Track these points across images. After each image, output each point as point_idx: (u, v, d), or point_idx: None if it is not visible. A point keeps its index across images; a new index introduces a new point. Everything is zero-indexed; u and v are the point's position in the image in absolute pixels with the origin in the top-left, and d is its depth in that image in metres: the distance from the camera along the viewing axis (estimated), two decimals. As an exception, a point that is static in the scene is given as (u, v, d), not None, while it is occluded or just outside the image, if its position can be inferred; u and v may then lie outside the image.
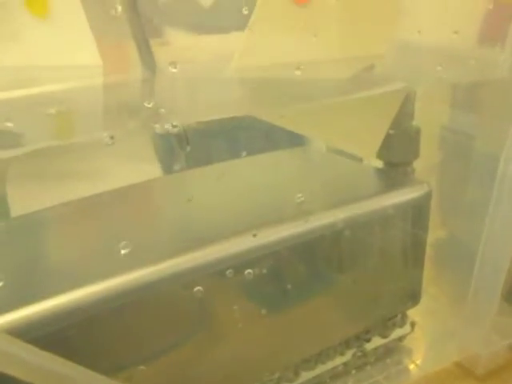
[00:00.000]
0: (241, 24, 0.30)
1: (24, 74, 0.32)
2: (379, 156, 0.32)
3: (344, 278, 0.28)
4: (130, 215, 0.28)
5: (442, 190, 0.37)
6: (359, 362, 0.31)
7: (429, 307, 0.35)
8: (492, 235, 0.32)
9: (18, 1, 0.31)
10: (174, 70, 0.19)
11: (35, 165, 0.34)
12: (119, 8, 0.22)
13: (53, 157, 0.32)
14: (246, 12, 0.27)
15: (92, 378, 0.18)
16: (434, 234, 0.36)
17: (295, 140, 0.36)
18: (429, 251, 0.32)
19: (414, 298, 0.32)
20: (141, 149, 0.40)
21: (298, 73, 0.24)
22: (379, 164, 0.33)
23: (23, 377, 0.16)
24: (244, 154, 0.34)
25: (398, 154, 0.32)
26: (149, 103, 0.18)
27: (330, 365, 0.30)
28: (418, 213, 0.29)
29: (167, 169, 0.38)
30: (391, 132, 0.31)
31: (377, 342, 0.32)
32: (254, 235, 0.22)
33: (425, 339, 0.35)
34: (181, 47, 0.32)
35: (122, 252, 0.24)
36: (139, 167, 0.38)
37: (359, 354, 0.31)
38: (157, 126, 0.17)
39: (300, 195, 0.27)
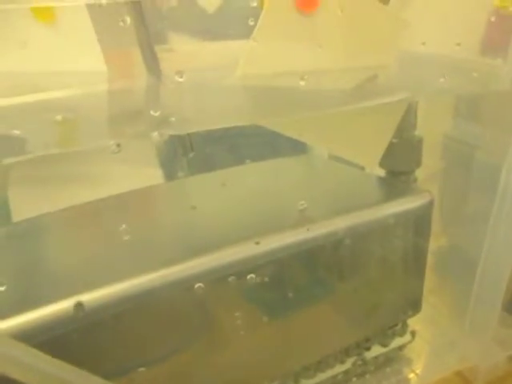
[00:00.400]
0: (245, 31, 0.30)
1: (30, 79, 0.32)
2: (381, 164, 0.32)
3: (345, 286, 0.28)
4: (132, 221, 0.28)
5: (443, 198, 0.37)
6: (359, 370, 0.31)
7: (429, 316, 0.35)
8: (493, 245, 0.33)
9: (25, 8, 0.32)
10: (180, 80, 0.19)
11: (37, 169, 0.34)
12: (128, 19, 0.22)
13: (55, 161, 0.32)
14: (251, 21, 0.28)
15: (93, 382, 0.18)
16: (436, 242, 0.36)
17: (297, 147, 0.36)
18: (430, 260, 0.32)
19: (414, 306, 0.32)
20: (143, 153, 0.40)
21: (302, 83, 0.24)
22: (381, 172, 0.33)
23: (24, 379, 0.16)
24: (247, 160, 0.34)
25: (400, 163, 0.32)
26: (155, 112, 0.18)
27: (330, 373, 0.30)
28: (419, 222, 0.29)
29: (169, 174, 0.38)
30: (394, 141, 0.31)
31: (377, 350, 0.32)
32: (257, 243, 0.23)
33: (425, 348, 0.35)
34: (184, 53, 0.32)
35: (124, 258, 0.24)
36: (141, 171, 0.38)
37: (359, 362, 0.31)
38: (155, 134, 0.17)
39: (302, 203, 0.27)
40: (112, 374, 0.20)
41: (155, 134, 0.17)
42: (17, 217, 0.33)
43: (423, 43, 0.28)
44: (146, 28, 0.31)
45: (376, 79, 0.28)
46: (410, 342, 0.33)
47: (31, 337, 0.18)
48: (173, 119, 0.18)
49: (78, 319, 0.19)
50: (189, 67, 0.27)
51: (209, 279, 0.22)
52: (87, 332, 0.20)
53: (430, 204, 0.29)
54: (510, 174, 0.31)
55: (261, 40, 0.28)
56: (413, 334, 0.33)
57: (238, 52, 0.28)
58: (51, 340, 0.19)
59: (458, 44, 0.24)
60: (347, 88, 0.27)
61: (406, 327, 0.33)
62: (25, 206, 0.33)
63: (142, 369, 0.22)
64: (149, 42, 0.31)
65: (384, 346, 0.32)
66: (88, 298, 0.20)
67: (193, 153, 0.29)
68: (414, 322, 0.33)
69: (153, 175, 0.38)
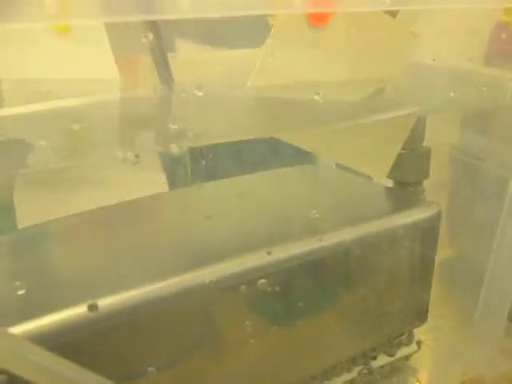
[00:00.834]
0: (253, 41, 0.30)
1: (44, 86, 0.33)
2: (389, 175, 0.32)
3: (352, 295, 0.28)
4: (143, 228, 0.28)
5: (450, 209, 0.37)
6: (365, 379, 0.32)
7: (435, 326, 0.35)
8: (500, 256, 0.33)
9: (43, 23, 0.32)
10: (200, 94, 0.20)
11: (43, 172, 0.34)
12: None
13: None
14: (259, 30, 0.28)
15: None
16: (442, 252, 0.37)
17: (304, 155, 0.36)
18: (436, 270, 0.32)
19: (420, 316, 0.32)
20: (146, 157, 0.40)
21: (313, 95, 0.25)
22: (388, 182, 0.33)
23: (28, 376, 0.16)
24: (253, 168, 0.34)
25: (408, 174, 0.32)
26: (174, 124, 0.18)
27: (336, 382, 0.30)
28: (427, 233, 0.30)
29: (173, 179, 0.38)
30: (402, 152, 0.31)
31: (383, 359, 0.32)
32: (269, 253, 0.23)
33: (431, 359, 0.35)
34: (193, 62, 0.33)
35: (136, 264, 0.24)
36: (145, 175, 0.38)
37: (365, 371, 0.31)
38: (174, 146, 0.18)
39: (311, 212, 0.27)
40: (123, 378, 0.20)
41: (174, 146, 0.17)
42: (22, 221, 0.33)
43: (433, 60, 0.28)
44: (159, 35, 0.32)
45: (385, 92, 0.28)
46: (416, 351, 0.33)
47: (48, 339, 0.18)
48: (190, 132, 0.18)
49: (93, 322, 0.20)
50: (198, 76, 0.28)
51: (220, 287, 0.22)
52: (101, 335, 0.20)
53: (438, 216, 0.30)
54: (517, 185, 0.31)
55: (273, 51, 0.28)
56: (419, 343, 0.33)
57: (247, 61, 0.28)
58: (66, 343, 0.19)
59: (469, 59, 0.24)
60: (357, 100, 0.27)
61: (413, 337, 0.33)
62: (31, 211, 0.34)
63: (152, 374, 0.22)
64: (161, 50, 0.32)
65: (390, 355, 0.32)
66: (102, 301, 0.20)
67: (203, 161, 0.30)
68: (419, 332, 0.33)
69: (157, 180, 0.38)
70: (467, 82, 0.27)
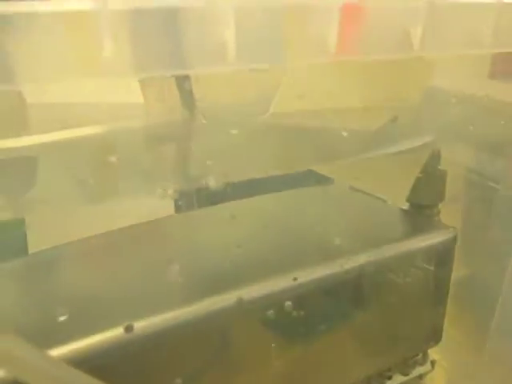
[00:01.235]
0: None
1: (69, 111, 0.34)
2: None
3: (370, 317, 0.29)
4: (164, 251, 0.29)
5: (464, 229, 0.38)
6: (380, 398, 0.32)
7: (449, 346, 0.35)
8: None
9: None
10: (220, 121, 0.20)
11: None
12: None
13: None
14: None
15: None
16: (456, 272, 0.37)
17: (318, 176, 0.36)
18: (450, 289, 0.33)
19: (435, 337, 0.33)
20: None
21: (332, 124, 0.26)
22: (404, 204, 0.34)
23: None
24: (265, 190, 0.34)
25: (424, 197, 0.33)
26: (210, 161, 0.19)
27: (352, 400, 0.31)
28: (443, 257, 0.30)
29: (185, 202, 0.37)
30: (418, 175, 0.32)
31: (398, 379, 0.32)
32: (295, 279, 0.24)
33: (444, 378, 0.35)
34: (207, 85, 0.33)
35: (162, 288, 0.25)
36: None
37: (380, 390, 0.32)
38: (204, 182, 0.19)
39: (327, 235, 0.28)
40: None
41: (211, 182, 0.18)
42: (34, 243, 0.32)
43: (446, 81, 0.29)
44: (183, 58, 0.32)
45: (396, 120, 0.29)
46: (430, 371, 0.34)
47: (85, 362, 0.19)
48: (222, 169, 0.19)
49: (128, 344, 0.21)
50: (214, 100, 0.28)
51: (246, 311, 0.23)
52: (136, 357, 0.21)
53: (454, 240, 0.30)
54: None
55: (292, 78, 0.29)
56: (433, 363, 0.34)
57: (263, 86, 0.29)
58: (104, 364, 0.20)
59: (487, 95, 0.25)
60: (372, 129, 0.28)
61: (427, 357, 0.34)
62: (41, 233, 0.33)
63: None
64: (185, 74, 0.32)
65: (405, 374, 0.33)
66: (138, 323, 0.21)
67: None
68: (433, 351, 0.34)
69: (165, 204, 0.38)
70: (484, 110, 0.28)
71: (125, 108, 0.33)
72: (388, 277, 0.29)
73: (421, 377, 0.34)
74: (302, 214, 0.33)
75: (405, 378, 0.33)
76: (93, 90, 0.35)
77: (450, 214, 0.34)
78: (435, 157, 0.32)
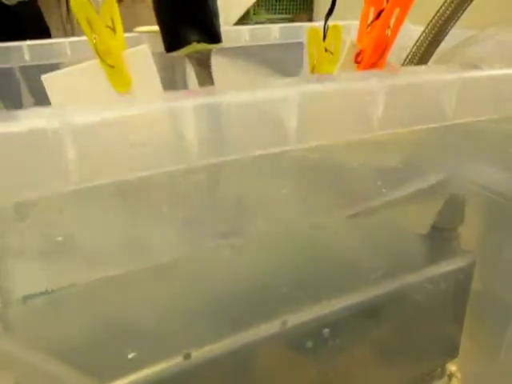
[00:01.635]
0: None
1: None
2: (424, 220, 0.35)
3: (394, 338, 0.31)
4: (202, 284, 0.31)
5: (480, 246, 0.39)
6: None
7: (464, 359, 0.37)
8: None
9: (104, 80, 0.35)
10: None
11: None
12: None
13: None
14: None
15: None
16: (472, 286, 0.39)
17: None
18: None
19: (452, 352, 0.35)
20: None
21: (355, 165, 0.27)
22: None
23: None
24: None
25: (443, 221, 0.35)
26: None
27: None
28: (461, 281, 0.32)
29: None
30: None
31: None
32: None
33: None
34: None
35: (211, 318, 0.27)
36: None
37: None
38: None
39: (352, 263, 0.30)
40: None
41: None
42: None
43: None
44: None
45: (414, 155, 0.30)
46: (448, 383, 0.36)
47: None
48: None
49: (187, 371, 0.23)
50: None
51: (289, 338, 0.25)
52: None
53: (472, 265, 0.32)
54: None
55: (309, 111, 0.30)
56: (450, 376, 0.36)
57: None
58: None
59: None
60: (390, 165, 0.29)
61: (445, 370, 0.36)
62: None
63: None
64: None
65: (424, 388, 0.35)
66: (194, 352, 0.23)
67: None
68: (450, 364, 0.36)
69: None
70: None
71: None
72: (410, 300, 0.31)
73: (439, 389, 0.36)
74: (328, 241, 0.35)
75: (424, 391, 0.35)
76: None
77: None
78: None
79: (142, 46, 0.34)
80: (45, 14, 1.20)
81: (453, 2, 0.34)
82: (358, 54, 0.30)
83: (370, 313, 0.29)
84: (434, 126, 0.19)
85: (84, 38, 0.39)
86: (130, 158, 0.15)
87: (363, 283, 0.29)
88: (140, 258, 0.25)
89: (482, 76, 0.19)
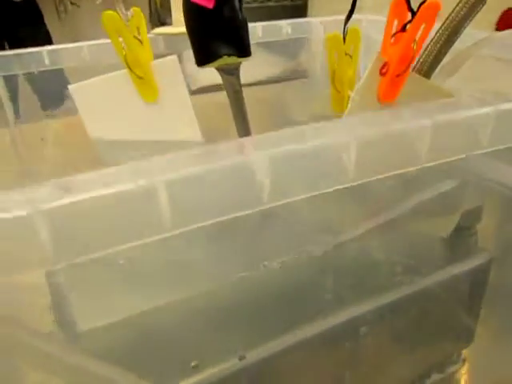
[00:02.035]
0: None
1: (133, 147, 0.37)
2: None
3: (417, 328, 0.34)
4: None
5: (496, 241, 0.41)
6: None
7: (478, 345, 0.40)
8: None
9: (132, 90, 0.36)
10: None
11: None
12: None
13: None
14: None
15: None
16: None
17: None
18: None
19: (468, 339, 0.38)
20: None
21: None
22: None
23: None
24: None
25: (463, 220, 0.37)
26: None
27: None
28: (478, 277, 0.34)
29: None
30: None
31: (436, 376, 0.38)
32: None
33: (473, 373, 0.41)
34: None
35: (260, 324, 0.29)
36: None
37: (421, 386, 0.37)
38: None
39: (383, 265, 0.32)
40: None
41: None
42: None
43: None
44: (242, 102, 0.35)
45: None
46: (461, 367, 0.39)
47: None
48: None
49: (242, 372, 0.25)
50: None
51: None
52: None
53: (489, 263, 0.34)
54: None
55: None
56: (464, 360, 0.39)
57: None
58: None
59: None
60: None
61: (460, 355, 0.39)
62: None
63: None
64: (244, 115, 0.35)
65: (441, 372, 0.38)
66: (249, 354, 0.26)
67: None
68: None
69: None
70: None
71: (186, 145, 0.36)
72: (431, 296, 0.33)
73: (453, 373, 0.39)
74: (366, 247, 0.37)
75: (441, 375, 0.38)
76: (157, 130, 0.38)
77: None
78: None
79: (170, 57, 0.35)
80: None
81: (468, 1, 0.35)
82: (382, 67, 0.31)
83: (399, 309, 0.32)
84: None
85: (80, 43, 0.41)
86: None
87: (393, 284, 0.31)
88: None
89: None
